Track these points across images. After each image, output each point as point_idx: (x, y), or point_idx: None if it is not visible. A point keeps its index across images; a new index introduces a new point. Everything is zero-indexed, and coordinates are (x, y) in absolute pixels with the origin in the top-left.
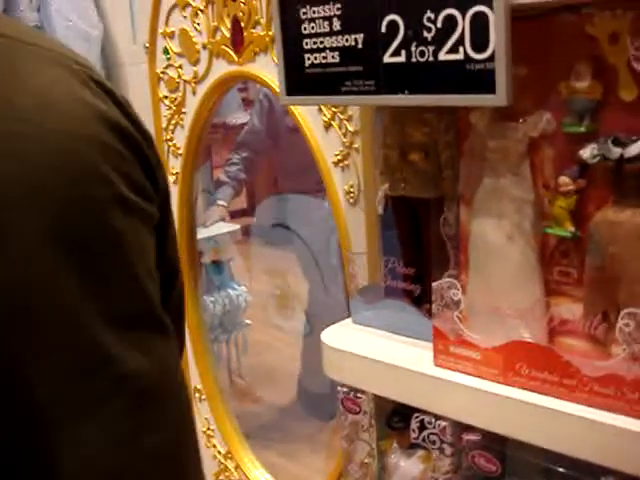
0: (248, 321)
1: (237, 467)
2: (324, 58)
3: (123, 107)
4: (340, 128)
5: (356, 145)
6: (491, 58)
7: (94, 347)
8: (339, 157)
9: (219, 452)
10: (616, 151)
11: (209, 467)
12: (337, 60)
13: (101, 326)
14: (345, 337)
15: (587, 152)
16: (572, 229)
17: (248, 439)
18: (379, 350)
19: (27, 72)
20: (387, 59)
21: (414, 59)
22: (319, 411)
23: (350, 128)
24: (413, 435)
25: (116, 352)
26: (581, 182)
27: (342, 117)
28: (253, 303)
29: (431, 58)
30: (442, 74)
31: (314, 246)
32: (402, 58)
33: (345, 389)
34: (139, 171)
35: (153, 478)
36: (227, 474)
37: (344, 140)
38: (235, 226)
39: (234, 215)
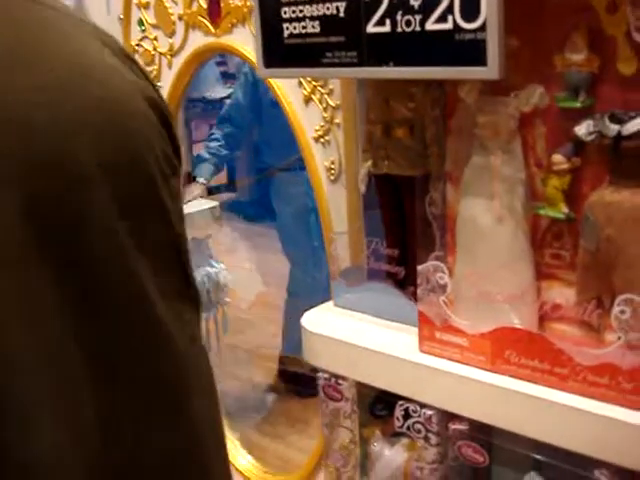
0: (228, 299)
1: None
2: (304, 28)
3: (150, 80)
4: (321, 102)
5: (337, 120)
6: (482, 28)
7: (158, 324)
8: (320, 132)
9: None
10: (613, 128)
11: None
12: (317, 30)
13: (160, 301)
14: (326, 321)
15: (582, 129)
16: (565, 210)
17: (229, 419)
18: (361, 335)
19: (56, 38)
20: (371, 29)
21: (399, 29)
22: (300, 389)
23: (331, 102)
24: (397, 423)
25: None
26: (575, 161)
27: (323, 91)
28: (233, 281)
29: (418, 28)
30: (429, 45)
31: (295, 224)
32: (387, 28)
33: (326, 375)
34: (171, 149)
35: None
36: None
37: (325, 115)
38: (214, 203)
39: (215, 191)
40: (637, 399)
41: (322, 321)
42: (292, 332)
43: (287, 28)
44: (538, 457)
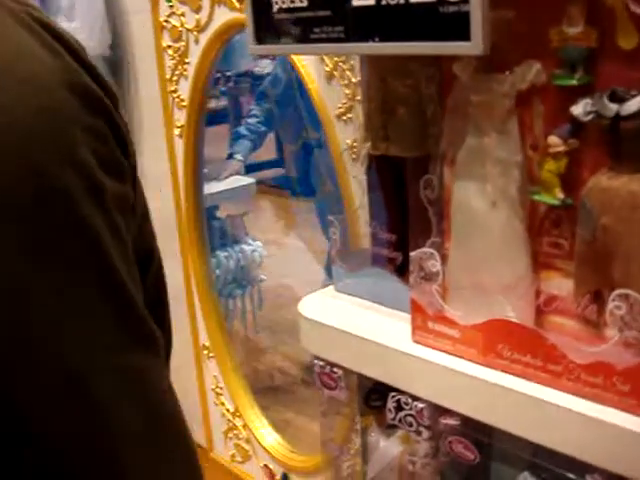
0: (263, 276)
1: (245, 425)
2: (292, 2)
3: (80, 57)
4: (342, 79)
5: (359, 97)
6: (466, 0)
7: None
8: (342, 110)
9: (227, 410)
10: (611, 107)
11: (218, 425)
12: (305, 4)
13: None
14: (323, 307)
15: (579, 108)
16: (561, 196)
17: (262, 397)
18: (357, 323)
19: None
20: (356, 2)
21: (384, 2)
22: None
23: (353, 79)
24: (390, 415)
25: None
26: (572, 142)
27: (344, 67)
28: (268, 258)
29: (402, 0)
30: (414, 19)
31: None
32: (371, 1)
33: (321, 363)
34: (112, 144)
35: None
36: (235, 432)
37: (347, 92)
38: (250, 180)
39: (259, 167)
40: (633, 402)
41: (319, 307)
42: None
43: (276, 2)
44: (532, 459)
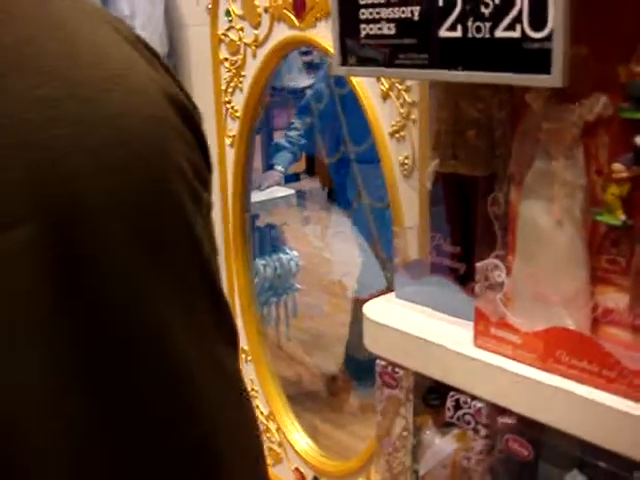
0: (299, 285)
1: (278, 429)
2: (379, 29)
3: (173, 75)
4: (398, 98)
5: (413, 116)
6: (549, 37)
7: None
8: (395, 128)
9: (262, 413)
10: None
11: None
12: (392, 32)
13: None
14: (387, 311)
15: None
16: (623, 217)
17: (291, 402)
18: (419, 326)
19: (74, 35)
20: (443, 33)
21: (470, 34)
22: (365, 379)
23: (408, 99)
24: (448, 414)
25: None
26: (635, 169)
27: (400, 87)
28: (304, 268)
29: (487, 35)
30: (498, 51)
31: (371, 216)
32: (458, 33)
33: (383, 363)
34: (199, 155)
35: None
36: (268, 435)
37: (401, 111)
38: (290, 191)
39: (293, 179)
40: None
41: (383, 311)
42: (359, 322)
43: (364, 29)
44: (582, 456)
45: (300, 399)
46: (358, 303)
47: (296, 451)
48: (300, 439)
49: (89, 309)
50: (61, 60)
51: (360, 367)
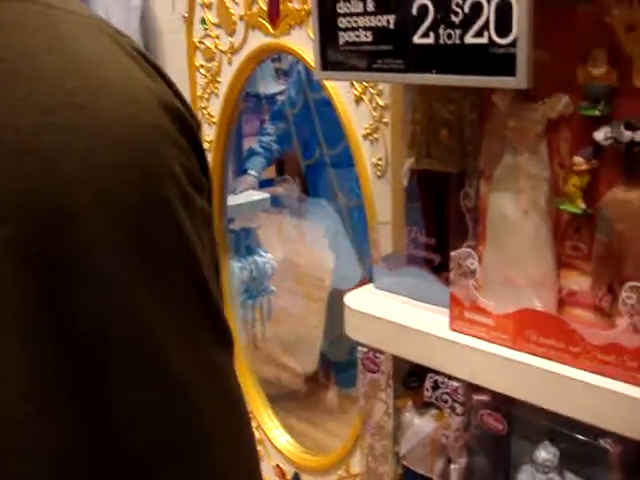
0: (273, 287)
1: (258, 427)
2: (357, 37)
3: (170, 84)
4: (371, 102)
5: (385, 119)
6: (513, 44)
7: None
8: (368, 130)
9: None
10: (627, 134)
11: None
12: (370, 39)
13: (173, 343)
14: (367, 300)
15: (600, 134)
16: (583, 206)
17: (269, 402)
18: (398, 313)
19: (72, 46)
20: (417, 40)
21: (442, 41)
22: (340, 379)
23: (380, 102)
24: (427, 394)
25: (180, 372)
26: (594, 162)
27: (373, 92)
28: (278, 270)
29: (457, 41)
30: (467, 56)
31: (342, 218)
32: (431, 40)
33: (365, 349)
34: (194, 162)
35: None
36: None
37: (374, 114)
38: (264, 195)
39: (266, 184)
40: None
41: (363, 300)
42: (333, 324)
43: (342, 37)
44: (552, 427)
45: (277, 399)
46: (331, 306)
47: (277, 448)
48: (280, 436)
49: (70, 315)
50: (58, 70)
51: (334, 368)
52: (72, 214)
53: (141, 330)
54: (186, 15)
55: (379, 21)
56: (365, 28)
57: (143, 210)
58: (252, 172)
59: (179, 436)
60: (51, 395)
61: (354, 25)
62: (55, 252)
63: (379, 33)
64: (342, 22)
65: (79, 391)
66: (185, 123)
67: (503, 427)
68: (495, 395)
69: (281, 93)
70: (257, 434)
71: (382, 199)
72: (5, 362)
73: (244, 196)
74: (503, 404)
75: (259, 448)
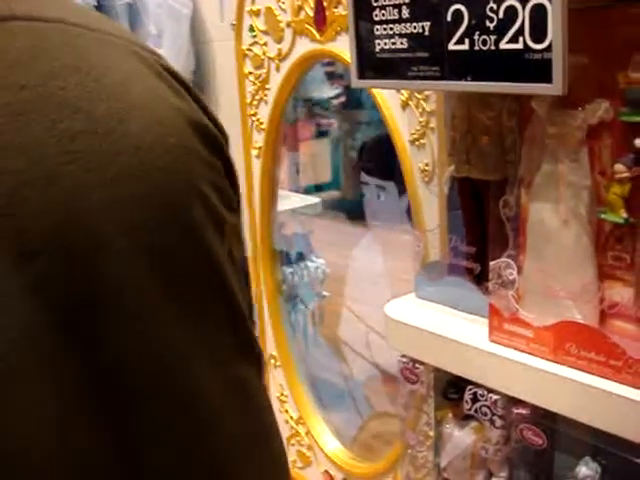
0: (325, 293)
1: (308, 432)
2: (393, 44)
3: (200, 101)
4: (417, 107)
5: (432, 125)
6: (548, 49)
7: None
8: (415, 136)
9: (291, 417)
10: None
11: (282, 431)
12: (405, 46)
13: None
14: (407, 310)
15: None
16: (625, 215)
17: (319, 407)
18: (438, 324)
19: (97, 68)
20: (452, 47)
21: (477, 47)
22: (391, 385)
23: (427, 108)
24: (466, 407)
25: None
26: (636, 170)
27: (419, 97)
28: (331, 276)
29: (492, 47)
30: (502, 62)
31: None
32: (466, 46)
33: (405, 359)
34: (225, 179)
35: None
36: (298, 439)
37: (420, 119)
38: (316, 199)
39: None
40: None
41: (403, 310)
42: None
43: (379, 44)
44: (594, 443)
45: (328, 404)
46: None
47: (325, 454)
48: (330, 442)
49: (98, 343)
50: (83, 94)
51: (384, 373)
52: (99, 244)
53: (173, 360)
54: (234, 23)
55: (414, 28)
56: (401, 35)
57: (174, 238)
58: None
59: (203, 456)
60: (76, 420)
61: (390, 32)
62: (85, 288)
63: (414, 40)
64: (378, 29)
65: (113, 434)
66: (215, 140)
67: (543, 441)
68: (535, 409)
69: (335, 97)
70: (307, 440)
71: (429, 206)
72: (40, 410)
73: (295, 201)
74: (544, 418)
75: (308, 454)
